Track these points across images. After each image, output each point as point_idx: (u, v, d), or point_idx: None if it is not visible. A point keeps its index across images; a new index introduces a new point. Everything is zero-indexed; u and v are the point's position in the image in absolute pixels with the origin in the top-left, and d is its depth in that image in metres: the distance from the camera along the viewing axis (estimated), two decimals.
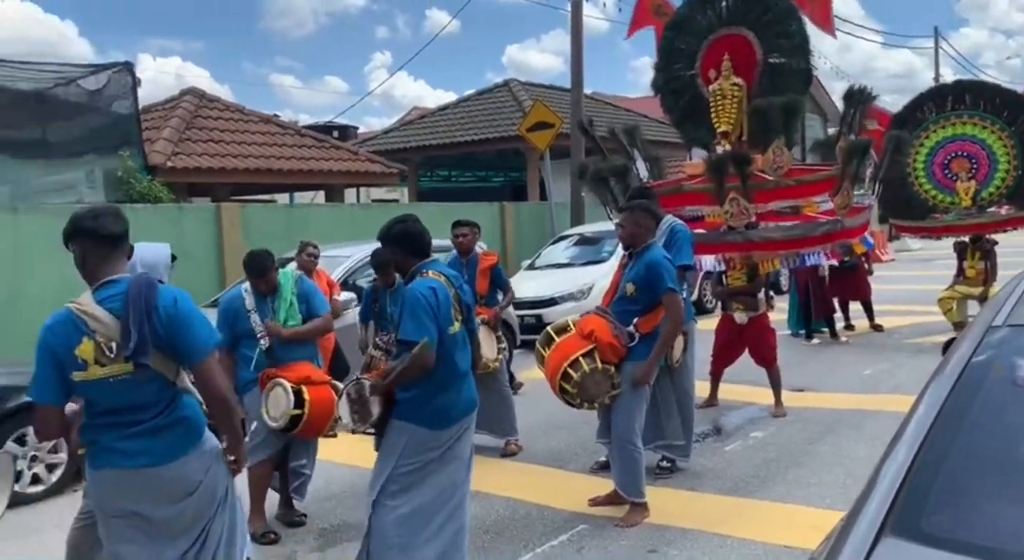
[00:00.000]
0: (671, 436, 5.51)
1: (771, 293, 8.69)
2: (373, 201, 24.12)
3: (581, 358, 4.62)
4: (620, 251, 8.34)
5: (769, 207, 7.26)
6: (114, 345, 2.70)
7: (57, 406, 2.75)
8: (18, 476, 5.66)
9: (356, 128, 27.40)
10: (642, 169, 7.99)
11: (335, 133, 21.12)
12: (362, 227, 11.92)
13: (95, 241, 2.80)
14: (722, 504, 5.02)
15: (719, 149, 7.45)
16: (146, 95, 11.59)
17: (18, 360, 6.40)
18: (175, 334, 2.75)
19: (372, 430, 3.79)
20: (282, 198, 20.67)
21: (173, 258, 3.94)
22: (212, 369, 2.84)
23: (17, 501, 4.83)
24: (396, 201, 24.40)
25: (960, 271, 10.06)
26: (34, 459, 5.79)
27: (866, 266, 11.06)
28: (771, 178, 7.12)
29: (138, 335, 2.66)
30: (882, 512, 1.48)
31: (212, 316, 5.84)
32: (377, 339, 5.91)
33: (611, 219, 7.35)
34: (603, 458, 5.64)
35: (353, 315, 7.07)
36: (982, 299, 9.58)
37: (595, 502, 5.06)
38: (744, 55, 7.51)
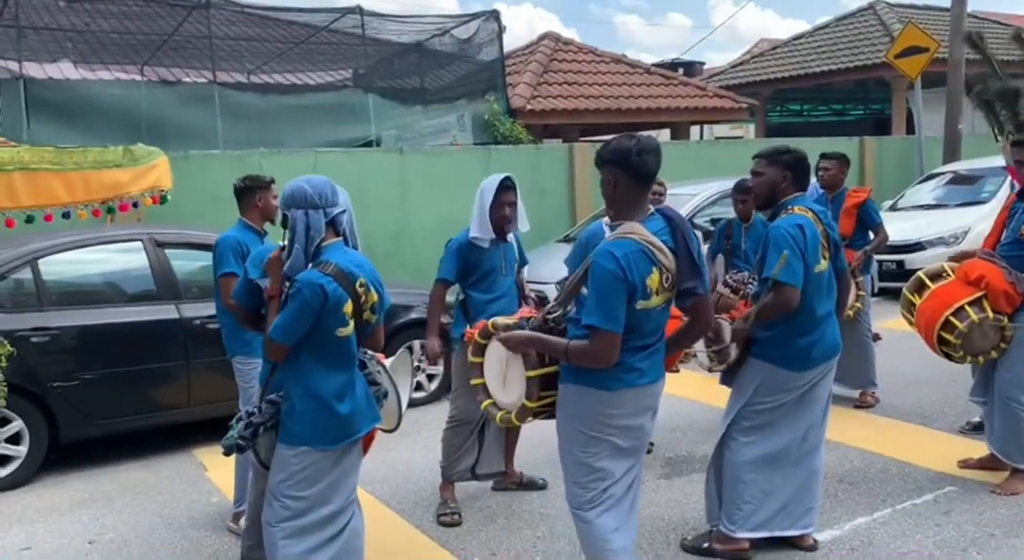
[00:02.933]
0: None
1: None
2: (716, 138, 23.60)
3: (967, 306, 4.18)
4: (1005, 190, 7.36)
5: None
6: (670, 276, 2.83)
7: (621, 334, 2.76)
8: None
9: (702, 64, 26.86)
10: None
11: (680, 70, 20.90)
12: (707, 165, 11.78)
13: (651, 178, 2.89)
14: None
15: None
16: (504, 42, 12.30)
17: (406, 282, 7.34)
18: (700, 265, 2.91)
19: (726, 369, 3.80)
20: None
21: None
22: (710, 298, 3.11)
23: None
24: (740, 138, 23.66)
25: None
26: (417, 369, 6.63)
27: None
28: None
29: (703, 269, 2.88)
30: None
31: (566, 250, 6.19)
32: (727, 277, 5.83)
33: (998, 139, 6.45)
34: (976, 418, 5.12)
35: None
36: None
37: (965, 465, 4.64)
38: None
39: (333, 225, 3.06)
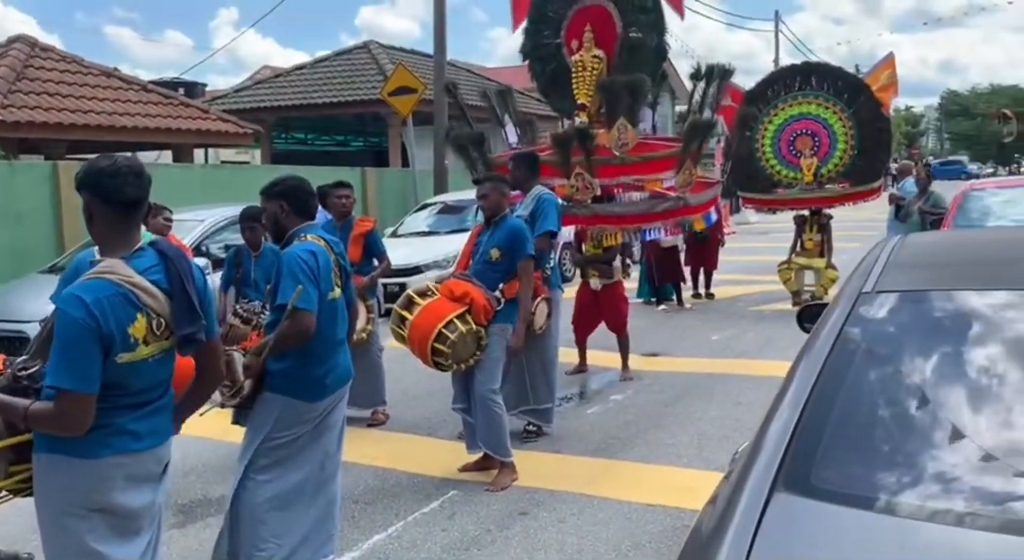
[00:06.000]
0: (535, 401, 5.65)
1: (628, 261, 8.99)
2: (222, 163, 23.08)
3: (456, 319, 4.66)
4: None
5: (615, 182, 7.50)
6: (163, 322, 2.44)
7: (96, 394, 2.33)
8: None
9: (204, 85, 26.12)
10: (511, 134, 8.03)
11: (181, 90, 20.03)
12: (213, 190, 11.42)
13: (132, 206, 2.49)
14: (587, 466, 5.19)
15: (578, 121, 7.60)
16: None
17: None
18: (205, 308, 2.56)
19: (240, 404, 3.65)
20: None
21: None
22: (220, 344, 2.77)
23: None
24: (247, 163, 23.47)
25: (799, 243, 10.74)
26: None
27: (720, 237, 11.61)
28: (617, 154, 7.34)
29: (203, 314, 2.50)
30: (772, 470, 1.57)
31: (53, 282, 5.45)
32: (237, 307, 5.66)
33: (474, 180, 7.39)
34: None
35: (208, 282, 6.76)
36: (827, 269, 10.32)
37: (465, 468, 5.12)
38: (605, 27, 7.66)
39: None
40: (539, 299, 5.42)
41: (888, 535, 1.44)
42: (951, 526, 1.47)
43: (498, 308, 4.88)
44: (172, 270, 2.49)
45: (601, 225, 7.36)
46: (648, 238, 8.07)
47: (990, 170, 55.19)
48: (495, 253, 4.93)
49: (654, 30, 7.84)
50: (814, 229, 10.63)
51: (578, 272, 8.13)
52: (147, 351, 2.43)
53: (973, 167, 54.94)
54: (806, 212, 10.77)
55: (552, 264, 5.85)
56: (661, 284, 11.10)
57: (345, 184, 6.33)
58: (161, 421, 2.59)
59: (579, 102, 7.54)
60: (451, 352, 4.69)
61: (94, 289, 2.34)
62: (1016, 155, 58.35)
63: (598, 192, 7.33)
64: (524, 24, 8.17)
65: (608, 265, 7.38)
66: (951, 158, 59.05)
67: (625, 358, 7.41)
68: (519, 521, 4.35)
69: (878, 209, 13.65)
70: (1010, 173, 47.90)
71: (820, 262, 10.49)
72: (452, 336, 4.65)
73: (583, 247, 7.59)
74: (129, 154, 2.61)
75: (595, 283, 7.34)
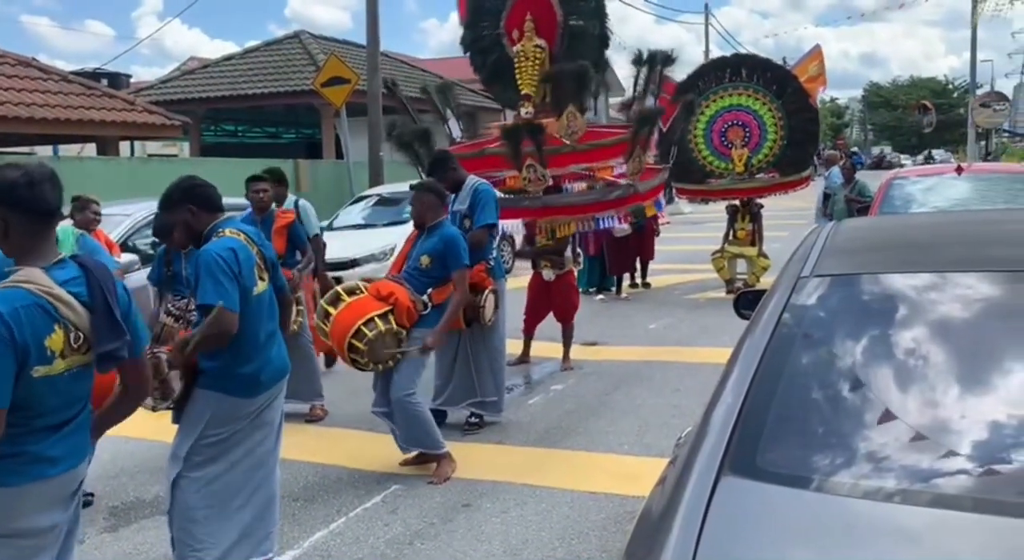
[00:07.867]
0: (483, 393, 5.64)
1: (579, 251, 9.05)
2: (149, 156, 22.44)
3: (377, 318, 4.64)
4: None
5: (566, 170, 7.52)
6: (81, 336, 2.35)
7: (5, 408, 2.22)
8: None
9: (128, 77, 25.31)
10: (455, 128, 7.98)
11: (104, 81, 19.37)
12: (141, 183, 11.08)
13: (52, 214, 2.39)
14: (529, 455, 5.20)
15: (523, 111, 7.58)
16: None
17: None
18: (129, 323, 2.46)
19: (173, 406, 3.55)
20: (44, 151, 18.73)
21: None
22: (146, 363, 2.72)
23: None
24: (175, 156, 22.87)
25: (731, 232, 10.94)
26: None
27: (655, 227, 11.76)
28: (567, 142, 7.36)
29: (126, 330, 2.42)
30: (719, 454, 1.58)
31: None
32: (170, 306, 5.51)
33: (422, 175, 7.30)
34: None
35: (136, 279, 6.57)
36: (759, 257, 10.54)
37: (405, 463, 5.08)
38: (546, 16, 7.65)
39: None
40: (487, 291, 5.42)
41: (834, 514, 1.47)
42: (892, 503, 1.51)
43: (424, 312, 4.87)
44: (94, 283, 2.40)
45: (553, 216, 7.37)
46: (602, 227, 8.11)
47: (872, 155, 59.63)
48: (425, 260, 4.94)
49: (595, 18, 7.86)
50: (746, 218, 10.84)
51: (517, 264, 8.13)
52: (63, 365, 2.35)
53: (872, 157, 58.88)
54: (738, 202, 10.97)
55: (495, 255, 5.84)
56: (613, 274, 11.23)
57: (260, 177, 6.14)
58: (79, 440, 2.49)
59: (524, 92, 7.52)
60: (368, 350, 4.65)
61: (9, 298, 2.25)
62: (927, 150, 61.00)
63: (550, 182, 7.34)
64: (464, 17, 8.14)
65: (560, 256, 7.39)
66: (851, 149, 62.82)
67: (568, 348, 7.44)
68: (462, 513, 4.33)
69: (806, 199, 14.00)
70: (925, 161, 50.15)
71: (752, 251, 10.70)
72: (370, 334, 4.61)
73: (535, 239, 7.58)
74: (37, 162, 2.49)
75: (548, 274, 7.34)
